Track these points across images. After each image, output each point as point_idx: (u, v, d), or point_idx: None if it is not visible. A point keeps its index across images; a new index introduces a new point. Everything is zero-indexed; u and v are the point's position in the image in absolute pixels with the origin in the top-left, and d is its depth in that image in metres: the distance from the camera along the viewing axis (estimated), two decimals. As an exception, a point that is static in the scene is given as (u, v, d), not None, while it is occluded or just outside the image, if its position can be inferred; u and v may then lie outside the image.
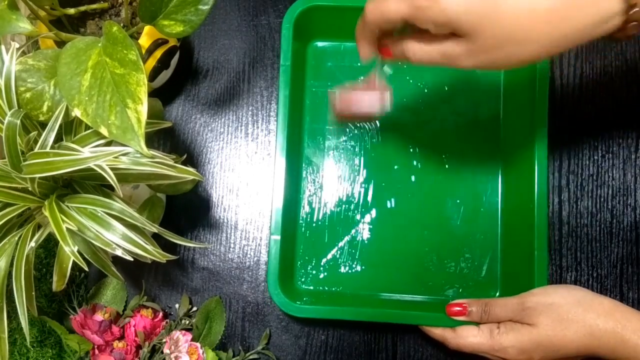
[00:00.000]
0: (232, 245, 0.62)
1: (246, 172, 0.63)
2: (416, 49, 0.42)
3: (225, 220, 0.62)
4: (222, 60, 0.65)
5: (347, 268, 0.60)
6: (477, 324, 0.51)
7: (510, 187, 0.59)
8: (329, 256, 0.60)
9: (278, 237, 0.55)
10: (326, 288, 0.60)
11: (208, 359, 0.55)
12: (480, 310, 0.51)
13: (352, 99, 0.54)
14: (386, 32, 0.44)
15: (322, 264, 0.60)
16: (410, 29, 0.42)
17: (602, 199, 0.61)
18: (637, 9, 0.37)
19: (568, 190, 0.61)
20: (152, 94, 0.55)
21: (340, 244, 0.60)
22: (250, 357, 0.59)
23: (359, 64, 0.63)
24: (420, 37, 0.42)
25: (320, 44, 0.64)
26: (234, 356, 0.59)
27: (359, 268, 0.60)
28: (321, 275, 0.60)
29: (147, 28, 0.53)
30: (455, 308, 0.52)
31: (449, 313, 0.52)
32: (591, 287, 0.59)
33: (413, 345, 0.59)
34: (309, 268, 0.60)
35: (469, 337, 0.50)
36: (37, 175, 0.41)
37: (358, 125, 0.62)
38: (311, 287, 0.60)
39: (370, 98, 0.53)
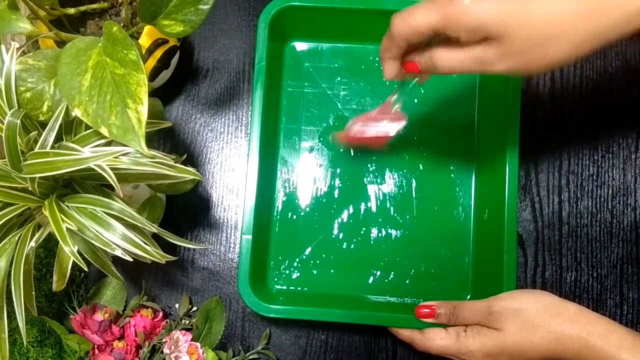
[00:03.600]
0: (232, 245, 0.62)
1: (245, 174, 0.63)
2: (446, 56, 0.41)
3: (225, 220, 0.62)
4: (222, 60, 0.65)
5: (320, 268, 0.60)
6: (445, 326, 0.52)
7: (482, 191, 0.60)
8: (303, 256, 0.60)
9: (249, 237, 0.55)
10: (299, 288, 0.60)
11: (208, 359, 0.55)
12: (449, 313, 0.51)
13: (367, 120, 0.54)
14: (413, 46, 0.43)
15: (295, 264, 0.60)
16: (437, 39, 0.42)
17: (602, 199, 0.61)
18: None
19: (568, 190, 0.61)
20: (152, 93, 0.54)
21: (314, 244, 0.60)
22: (250, 357, 0.59)
23: (336, 65, 0.63)
24: (449, 45, 0.41)
25: (297, 44, 0.64)
26: (234, 356, 0.59)
27: (332, 269, 0.60)
28: (294, 276, 0.60)
29: (147, 28, 0.53)
30: (424, 310, 0.52)
31: (417, 315, 0.52)
32: (591, 287, 0.59)
33: (414, 350, 0.59)
34: (282, 268, 0.60)
35: (436, 339, 0.51)
36: (37, 175, 0.41)
37: (336, 124, 0.62)
38: (284, 287, 0.60)
39: (387, 123, 0.54)
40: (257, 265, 0.56)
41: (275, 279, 0.60)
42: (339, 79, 0.63)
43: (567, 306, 0.47)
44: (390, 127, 0.54)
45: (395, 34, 0.42)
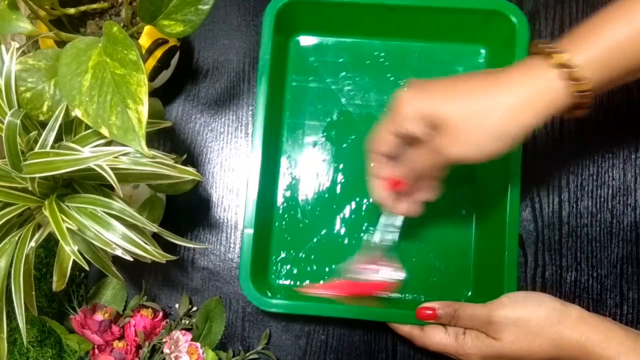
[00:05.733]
0: (232, 245, 0.62)
1: (246, 172, 0.63)
2: (415, 153, 0.47)
3: (225, 220, 0.62)
4: (222, 60, 0.65)
5: (322, 264, 0.60)
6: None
7: (484, 187, 0.60)
8: (304, 252, 0.60)
9: (251, 231, 0.55)
10: (300, 284, 0.60)
11: (208, 359, 0.55)
12: (449, 315, 0.52)
13: (367, 269, 0.56)
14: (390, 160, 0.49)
15: (297, 259, 0.60)
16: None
17: (602, 199, 0.61)
18: (579, 81, 0.41)
19: (568, 190, 0.61)
20: (152, 93, 0.54)
21: (316, 240, 0.60)
22: (250, 357, 0.59)
23: (341, 60, 0.63)
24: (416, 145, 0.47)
25: (302, 38, 0.64)
26: (234, 356, 0.59)
27: (333, 264, 0.60)
28: (295, 271, 0.60)
29: (147, 28, 0.53)
30: (426, 312, 0.52)
31: (419, 316, 0.53)
32: (591, 287, 0.59)
33: (413, 345, 0.59)
34: (283, 263, 0.60)
35: (435, 337, 0.52)
36: (37, 175, 0.41)
37: (340, 119, 0.62)
38: (286, 283, 0.60)
39: (384, 269, 0.56)
40: (258, 260, 0.56)
41: (277, 274, 0.60)
42: (343, 73, 0.63)
43: (569, 312, 0.47)
44: (388, 274, 0.56)
45: (374, 151, 0.49)
